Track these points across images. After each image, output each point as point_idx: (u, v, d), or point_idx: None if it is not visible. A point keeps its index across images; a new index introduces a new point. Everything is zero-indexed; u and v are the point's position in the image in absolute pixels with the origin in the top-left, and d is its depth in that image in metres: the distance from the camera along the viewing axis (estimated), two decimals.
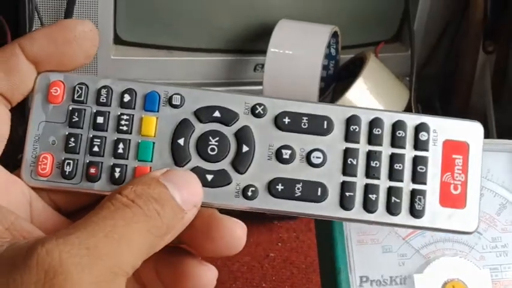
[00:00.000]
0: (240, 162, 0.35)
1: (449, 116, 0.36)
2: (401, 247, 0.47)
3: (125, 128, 0.35)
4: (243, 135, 0.35)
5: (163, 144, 0.35)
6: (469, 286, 0.46)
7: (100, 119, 0.35)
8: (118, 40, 0.75)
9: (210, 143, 0.35)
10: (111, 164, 0.35)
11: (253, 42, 0.79)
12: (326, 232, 0.46)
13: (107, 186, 0.35)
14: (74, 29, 0.35)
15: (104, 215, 0.30)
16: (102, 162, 0.35)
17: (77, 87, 0.35)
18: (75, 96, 0.35)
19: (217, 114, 0.35)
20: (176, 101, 0.35)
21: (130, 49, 0.76)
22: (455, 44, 0.84)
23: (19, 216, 0.32)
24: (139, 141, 0.35)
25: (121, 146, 0.35)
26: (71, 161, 0.35)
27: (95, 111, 0.35)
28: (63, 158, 0.35)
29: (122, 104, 0.35)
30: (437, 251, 0.47)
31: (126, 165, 0.35)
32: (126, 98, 0.35)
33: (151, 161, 0.35)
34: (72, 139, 0.35)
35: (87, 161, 0.35)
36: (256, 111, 0.35)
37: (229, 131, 0.35)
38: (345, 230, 0.46)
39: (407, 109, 0.79)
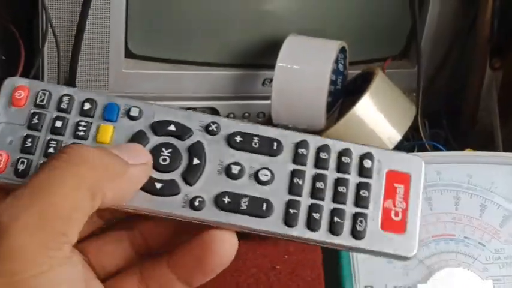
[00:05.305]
0: (190, 174, 0.35)
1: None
2: None
3: (81, 133, 0.36)
4: (195, 149, 0.36)
5: None
6: None
7: (58, 124, 0.36)
8: (129, 54, 0.76)
9: (163, 154, 0.36)
10: None
11: (261, 56, 0.80)
12: None
13: None
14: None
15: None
16: None
17: (40, 93, 0.36)
18: (38, 101, 0.36)
19: (172, 128, 0.36)
20: (134, 113, 0.36)
21: (141, 63, 0.77)
22: (462, 61, 0.85)
23: None
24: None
25: None
26: (25, 160, 0.35)
27: (54, 116, 0.36)
28: (18, 157, 0.35)
29: (82, 112, 0.36)
30: (440, 262, 0.47)
31: None
32: (86, 106, 0.36)
33: None
34: (29, 140, 0.36)
35: (41, 162, 0.35)
36: (210, 129, 0.36)
37: (182, 145, 0.36)
38: None
39: (414, 125, 0.80)
